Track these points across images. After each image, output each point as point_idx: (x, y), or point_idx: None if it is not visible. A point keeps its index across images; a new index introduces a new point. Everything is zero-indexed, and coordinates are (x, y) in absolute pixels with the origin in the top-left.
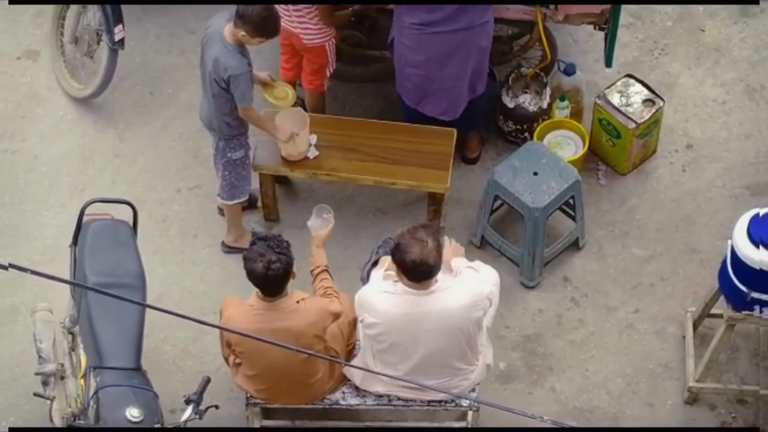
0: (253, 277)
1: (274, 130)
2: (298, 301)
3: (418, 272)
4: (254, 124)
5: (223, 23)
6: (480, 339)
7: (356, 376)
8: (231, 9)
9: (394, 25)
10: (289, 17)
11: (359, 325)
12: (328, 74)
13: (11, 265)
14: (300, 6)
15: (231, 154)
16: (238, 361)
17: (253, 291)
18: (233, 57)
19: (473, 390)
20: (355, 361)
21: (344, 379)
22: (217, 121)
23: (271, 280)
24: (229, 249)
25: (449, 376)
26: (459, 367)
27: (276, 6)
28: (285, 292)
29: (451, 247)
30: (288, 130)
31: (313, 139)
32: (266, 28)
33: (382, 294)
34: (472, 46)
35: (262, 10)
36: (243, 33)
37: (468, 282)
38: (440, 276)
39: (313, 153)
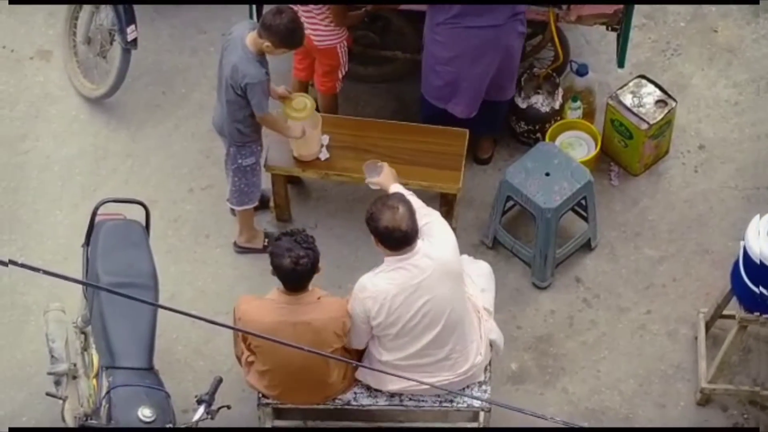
0: (281, 272)
1: (288, 131)
2: (319, 297)
3: (393, 238)
4: (271, 129)
5: (245, 31)
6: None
7: (370, 380)
8: (245, 15)
9: (426, 25)
10: None
11: (361, 328)
12: (340, 76)
13: (11, 262)
14: (310, 7)
15: (242, 161)
16: (250, 359)
17: (266, 290)
18: (252, 65)
19: (485, 390)
20: (364, 358)
21: (356, 380)
22: (229, 127)
23: (298, 275)
24: (241, 249)
25: (459, 341)
26: (466, 328)
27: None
28: (307, 288)
29: (387, 170)
30: (300, 128)
31: (325, 139)
32: (291, 39)
33: (375, 276)
34: (502, 46)
35: (288, 21)
36: (267, 43)
37: (438, 232)
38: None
39: (324, 155)
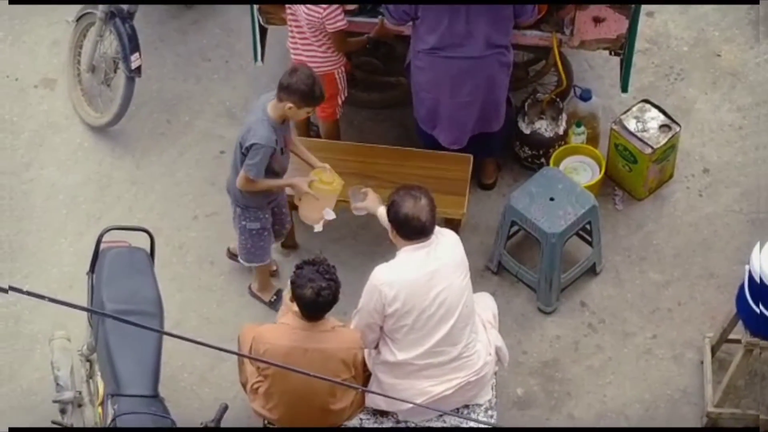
0: (302, 301)
1: (279, 184)
2: (333, 327)
3: (411, 227)
4: (251, 190)
5: (268, 99)
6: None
7: (381, 403)
8: (249, 42)
9: (410, 50)
10: (294, 45)
11: (374, 319)
12: (339, 102)
13: (13, 289)
14: (307, 34)
15: (246, 223)
16: (256, 386)
17: (271, 317)
18: (265, 128)
19: (491, 416)
20: (371, 384)
21: (362, 405)
22: (233, 188)
23: (319, 306)
24: (252, 294)
25: (471, 338)
26: (477, 325)
27: (288, 40)
28: (323, 317)
29: (372, 195)
30: (319, 211)
31: (330, 215)
32: (312, 95)
33: (391, 265)
34: (482, 77)
35: (305, 77)
36: (290, 105)
37: (447, 232)
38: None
39: (319, 228)
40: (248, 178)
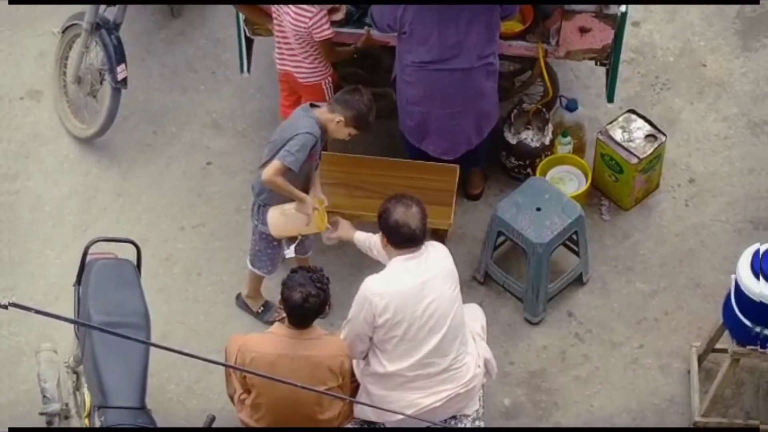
0: (289, 304)
1: (298, 198)
2: (320, 335)
3: (401, 234)
4: (273, 184)
5: (307, 111)
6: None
7: (371, 414)
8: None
9: (396, 63)
10: (281, 56)
11: (363, 331)
12: None
13: (12, 304)
14: (293, 45)
15: (259, 224)
16: (243, 397)
17: (259, 329)
18: (311, 122)
19: (478, 426)
20: (360, 395)
21: (350, 415)
22: (257, 182)
23: (305, 311)
24: (240, 303)
25: (461, 350)
26: (467, 336)
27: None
28: (310, 325)
29: (343, 223)
30: (309, 209)
31: (290, 253)
32: (366, 119)
33: (381, 276)
34: (472, 88)
35: (367, 101)
36: (340, 119)
37: (436, 244)
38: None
39: (290, 254)
40: (282, 165)
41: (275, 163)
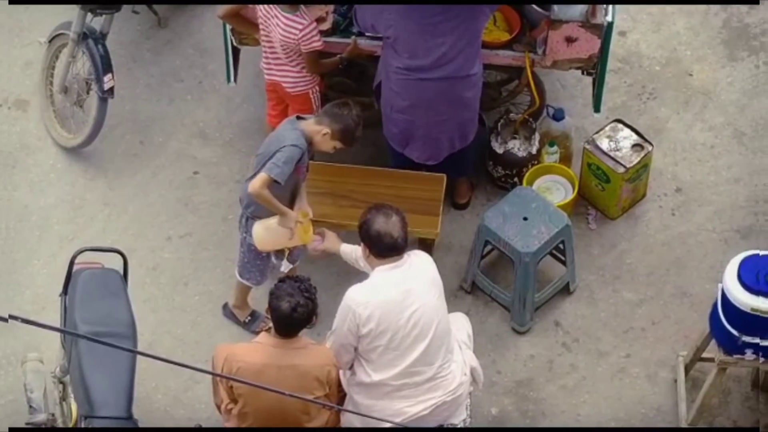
0: (276, 314)
1: (281, 212)
2: (306, 344)
3: (383, 243)
4: (259, 197)
5: (293, 124)
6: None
7: (356, 422)
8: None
9: (379, 71)
10: (268, 65)
11: (347, 341)
12: None
13: (11, 317)
14: (279, 54)
15: (247, 236)
16: (230, 407)
17: (246, 338)
18: (296, 134)
19: None
20: (346, 405)
21: (337, 424)
22: (245, 194)
23: (292, 321)
24: (227, 313)
25: (446, 358)
26: (452, 344)
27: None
28: (297, 334)
29: (330, 235)
30: (292, 222)
31: (285, 267)
32: (352, 134)
33: (364, 285)
34: (457, 97)
35: (355, 116)
36: (327, 131)
37: (419, 252)
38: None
39: (286, 266)
40: (268, 178)
41: (262, 176)
